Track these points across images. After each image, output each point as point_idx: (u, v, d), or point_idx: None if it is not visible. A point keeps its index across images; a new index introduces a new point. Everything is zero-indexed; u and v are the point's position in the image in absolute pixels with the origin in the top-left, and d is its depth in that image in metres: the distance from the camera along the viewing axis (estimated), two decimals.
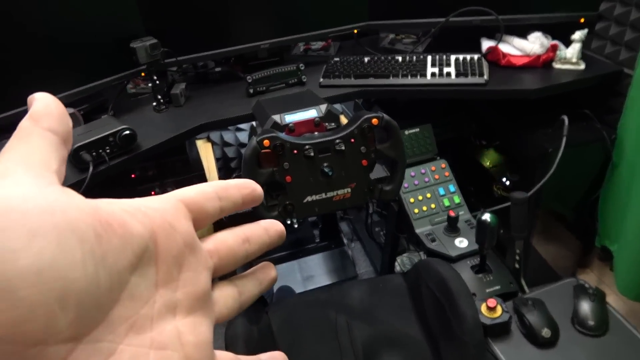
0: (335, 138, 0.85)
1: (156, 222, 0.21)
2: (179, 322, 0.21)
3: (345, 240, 1.83)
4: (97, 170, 0.98)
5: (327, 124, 0.98)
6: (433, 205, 1.23)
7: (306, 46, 1.58)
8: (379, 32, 1.61)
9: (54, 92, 0.21)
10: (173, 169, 1.29)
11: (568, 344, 0.98)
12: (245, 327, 0.98)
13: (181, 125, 1.16)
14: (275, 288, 1.64)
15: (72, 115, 1.06)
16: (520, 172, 1.52)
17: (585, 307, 1.01)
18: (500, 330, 0.99)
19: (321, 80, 1.28)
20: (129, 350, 0.19)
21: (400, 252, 1.54)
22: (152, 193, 1.24)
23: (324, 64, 1.35)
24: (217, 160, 1.64)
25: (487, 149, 1.64)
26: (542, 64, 1.26)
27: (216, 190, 0.25)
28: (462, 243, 1.14)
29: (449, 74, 1.23)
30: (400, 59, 1.31)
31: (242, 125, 1.60)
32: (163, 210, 0.22)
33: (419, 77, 1.24)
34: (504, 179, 1.54)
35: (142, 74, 1.25)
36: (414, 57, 1.30)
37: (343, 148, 0.85)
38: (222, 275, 0.26)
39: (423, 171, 1.27)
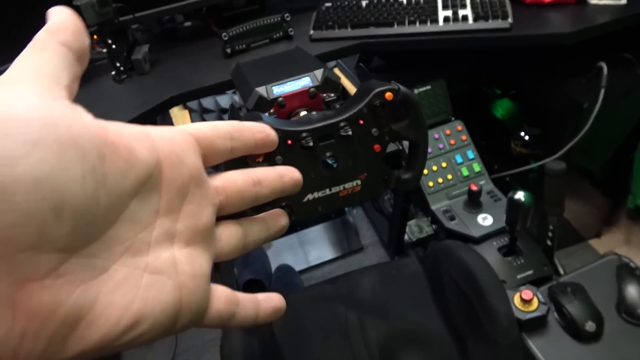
0: (340, 120, 0.66)
1: (164, 151, 0.21)
2: (176, 251, 0.22)
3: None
4: None
5: (325, 94, 0.79)
6: (450, 176, 1.06)
7: None
8: None
9: None
10: None
11: (614, 336, 0.85)
12: (242, 338, 0.84)
13: (148, 99, 0.96)
14: (274, 267, 1.50)
15: None
16: (542, 124, 1.35)
17: (633, 292, 0.87)
18: (536, 325, 0.86)
19: (312, 32, 1.07)
20: (123, 271, 0.19)
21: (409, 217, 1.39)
22: None
23: (314, 10, 1.13)
24: None
25: (500, 99, 1.45)
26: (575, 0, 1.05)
27: (229, 129, 0.25)
28: (485, 220, 0.99)
29: (465, 18, 1.02)
30: (405, 1, 1.09)
31: None
32: (172, 140, 0.22)
33: (429, 23, 1.03)
34: (522, 133, 1.37)
35: (95, 37, 1.03)
36: None
37: (350, 133, 0.66)
38: (230, 214, 0.26)
39: (437, 136, 1.09)
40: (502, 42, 1.00)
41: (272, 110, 0.77)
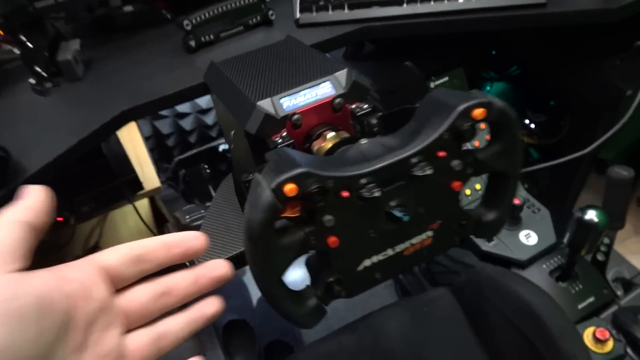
0: (412, 154, 0.44)
1: (74, 290, 0.23)
2: None
3: None
4: None
5: (354, 105, 0.56)
6: (478, 186, 0.88)
7: None
8: None
9: None
10: (83, 181, 0.83)
11: None
12: None
13: (87, 117, 0.69)
14: (264, 343, 1.14)
15: None
16: (546, 110, 1.21)
17: None
18: None
19: (298, 15, 0.83)
20: None
21: None
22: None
23: None
24: (146, 139, 1.17)
25: (496, 82, 1.29)
26: None
27: (139, 253, 0.26)
28: (529, 239, 0.82)
29: None
30: None
31: None
32: (82, 279, 0.24)
33: (447, 0, 0.82)
34: (527, 121, 1.22)
35: (1, 32, 0.74)
36: None
37: (428, 173, 0.44)
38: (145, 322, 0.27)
39: None
40: (537, 21, 0.81)
41: (284, 134, 0.54)
